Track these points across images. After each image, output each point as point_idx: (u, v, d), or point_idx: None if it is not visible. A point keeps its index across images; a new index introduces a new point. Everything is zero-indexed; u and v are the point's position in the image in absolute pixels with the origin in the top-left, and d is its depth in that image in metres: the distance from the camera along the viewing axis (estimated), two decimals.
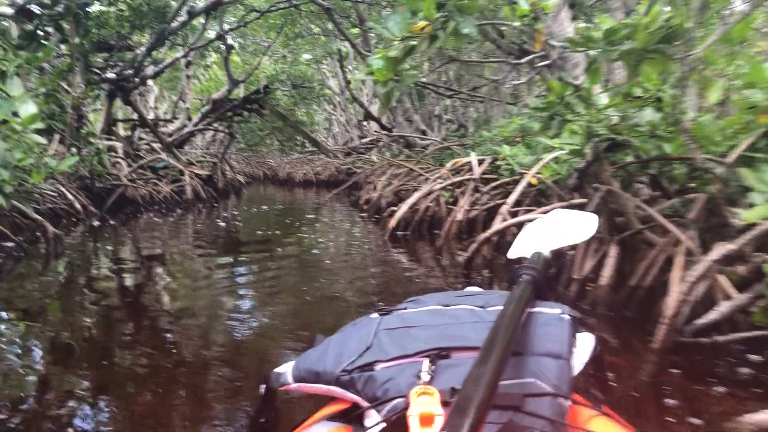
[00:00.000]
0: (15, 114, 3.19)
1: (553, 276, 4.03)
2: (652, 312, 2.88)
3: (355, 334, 1.14)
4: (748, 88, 3.45)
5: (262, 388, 1.14)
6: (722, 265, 2.82)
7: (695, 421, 2.04)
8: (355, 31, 17.12)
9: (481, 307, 1.18)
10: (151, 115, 22.02)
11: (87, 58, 11.17)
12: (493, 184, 6.60)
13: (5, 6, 7.81)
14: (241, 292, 4.58)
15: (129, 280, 5.25)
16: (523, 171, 5.62)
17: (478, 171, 6.53)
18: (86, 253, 6.87)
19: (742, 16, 3.04)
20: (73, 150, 7.04)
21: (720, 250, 2.33)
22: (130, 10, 11.73)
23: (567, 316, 1.10)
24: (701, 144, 3.25)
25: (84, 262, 6.30)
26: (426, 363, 0.95)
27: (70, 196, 9.80)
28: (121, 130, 16.36)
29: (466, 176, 6.72)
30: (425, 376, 0.91)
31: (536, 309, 1.12)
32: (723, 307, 2.54)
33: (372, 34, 16.34)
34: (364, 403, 0.97)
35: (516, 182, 5.62)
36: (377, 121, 19.61)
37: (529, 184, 5.66)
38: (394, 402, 0.90)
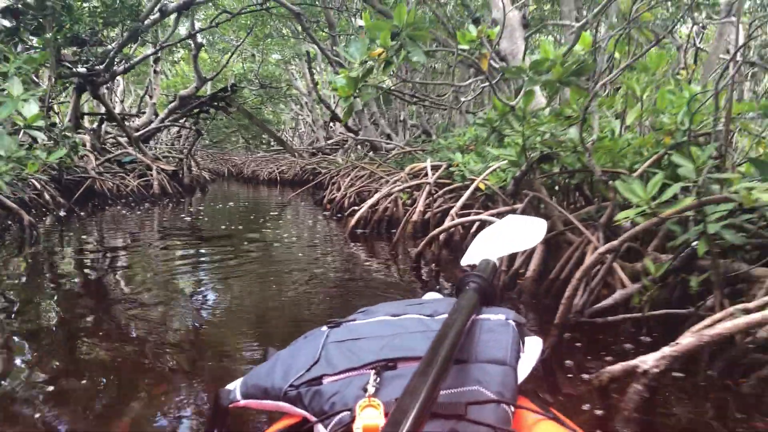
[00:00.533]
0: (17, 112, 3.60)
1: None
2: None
3: (303, 348, 1.15)
4: (657, 113, 4.05)
5: (212, 406, 1.15)
6: (622, 261, 3.42)
7: (584, 376, 2.59)
8: (324, 34, 17.57)
9: (429, 315, 1.19)
10: (117, 109, 22.13)
11: (59, 52, 11.40)
12: (447, 189, 7.15)
13: None
14: (202, 281, 4.96)
15: (95, 267, 5.63)
16: (473, 177, 6.17)
17: (431, 176, 7.06)
18: (56, 241, 7.20)
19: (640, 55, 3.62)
20: (64, 142, 7.32)
21: (606, 245, 2.88)
22: (104, 7, 11.99)
23: (512, 322, 1.12)
24: (614, 159, 3.84)
25: (53, 249, 6.63)
26: (372, 375, 0.97)
27: (39, 187, 10.07)
28: (86, 123, 16.51)
29: (422, 180, 7.26)
30: (371, 389, 0.92)
31: (482, 316, 1.14)
32: (617, 294, 3.11)
33: (340, 39, 16.82)
34: (312, 418, 0.98)
35: (467, 187, 6.16)
36: (343, 123, 20.09)
37: (478, 189, 6.22)
38: (341, 415, 0.92)
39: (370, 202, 7.70)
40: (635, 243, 3.51)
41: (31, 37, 10.28)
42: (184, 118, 20.08)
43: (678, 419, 2.28)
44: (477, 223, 5.77)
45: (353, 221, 7.42)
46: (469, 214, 6.04)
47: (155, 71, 20.66)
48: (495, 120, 4.36)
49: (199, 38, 18.82)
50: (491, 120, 4.25)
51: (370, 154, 16.31)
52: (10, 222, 7.82)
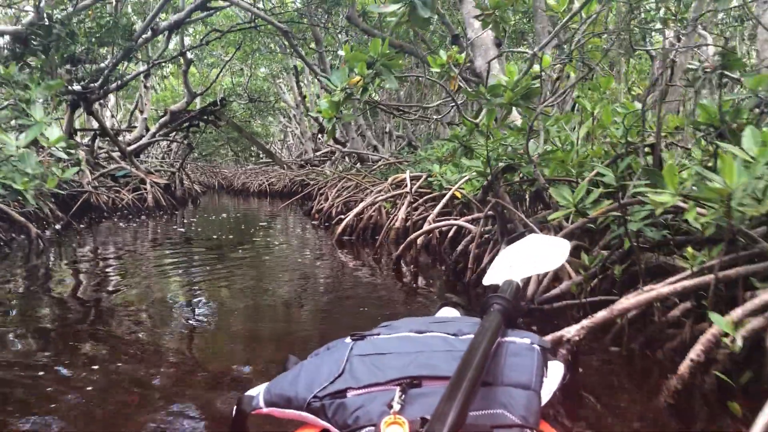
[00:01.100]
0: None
1: (456, 268, 5.16)
2: None
3: (327, 360, 1.16)
4: (603, 127, 4.61)
5: (234, 411, 1.17)
6: (571, 257, 3.95)
7: None
8: (311, 49, 18.12)
9: (453, 335, 1.20)
10: (108, 124, 22.52)
11: (55, 71, 11.87)
12: (426, 197, 7.69)
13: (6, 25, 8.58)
14: (197, 286, 5.39)
15: (100, 275, 6.11)
16: (449, 186, 6.70)
17: (411, 186, 7.59)
18: (60, 252, 7.65)
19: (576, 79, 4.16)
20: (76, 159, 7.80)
21: None
22: (98, 28, 12.47)
23: (537, 346, 1.13)
24: (566, 168, 4.38)
25: (59, 259, 7.09)
26: (397, 392, 0.97)
27: (39, 202, 10.51)
28: (78, 138, 16.93)
29: (404, 190, 7.79)
30: (396, 406, 0.93)
31: (507, 338, 1.15)
32: (563, 285, 3.64)
33: (326, 53, 17.40)
34: (335, 431, 0.98)
35: (444, 196, 6.70)
36: (327, 131, 20.60)
37: (455, 197, 6.75)
38: (365, 430, 0.92)
39: (355, 210, 8.22)
40: (584, 242, 4.05)
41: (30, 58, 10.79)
42: (174, 132, 20.52)
43: (602, 378, 2.82)
44: (454, 228, 6.32)
45: (340, 229, 7.94)
46: (455, 225, 6.59)
47: (146, 87, 21.11)
48: (463, 135, 4.90)
49: (189, 54, 19.32)
50: (458, 135, 4.80)
51: (357, 165, 16.83)
52: (13, 234, 8.27)
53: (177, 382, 2.89)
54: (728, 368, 2.41)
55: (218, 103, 19.65)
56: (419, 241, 6.15)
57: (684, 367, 2.33)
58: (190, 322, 4.10)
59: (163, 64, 21.09)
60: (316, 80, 21.11)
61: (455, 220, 6.13)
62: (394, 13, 3.12)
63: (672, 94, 8.18)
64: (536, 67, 4.44)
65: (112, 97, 26.37)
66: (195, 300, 4.77)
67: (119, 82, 14.75)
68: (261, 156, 31.75)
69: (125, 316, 4.22)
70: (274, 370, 1.86)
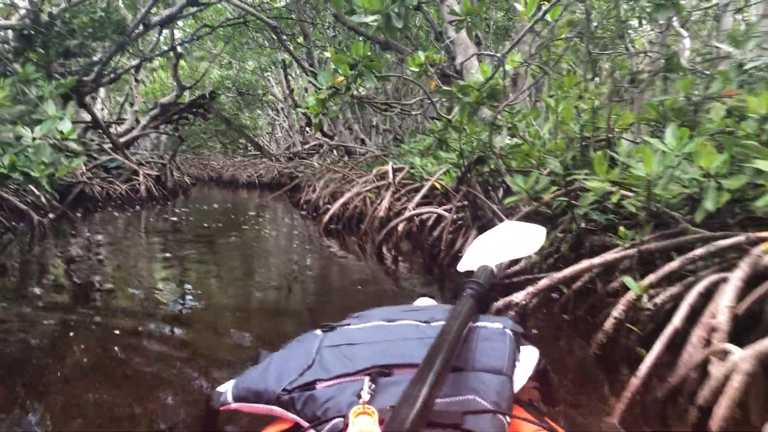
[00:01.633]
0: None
1: (433, 251, 5.64)
2: None
3: (297, 352, 1.14)
4: (565, 123, 5.09)
5: (205, 408, 1.14)
6: None
7: None
8: (299, 42, 18.51)
9: (425, 322, 1.19)
10: (99, 116, 22.78)
11: (49, 65, 12.21)
12: (409, 188, 8.15)
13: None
14: (193, 268, 5.83)
15: (96, 261, 6.54)
16: (429, 178, 7.17)
17: (392, 177, 8.06)
18: (60, 239, 8.06)
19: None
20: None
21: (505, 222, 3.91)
22: (91, 22, 12.79)
23: (509, 331, 1.12)
24: (529, 161, 4.86)
25: (59, 245, 7.51)
26: (366, 381, 0.96)
27: (36, 191, 10.87)
28: None
29: (387, 181, 8.25)
30: (365, 395, 0.92)
31: (479, 323, 1.14)
32: (522, 263, 4.13)
33: (317, 52, 17.81)
34: (305, 423, 0.96)
35: (423, 187, 7.17)
36: (315, 124, 21.01)
37: (435, 188, 7.22)
38: (334, 422, 0.91)
39: (341, 200, 8.68)
40: (546, 226, 4.53)
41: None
42: (164, 125, 20.84)
43: (550, 337, 3.31)
44: (434, 216, 6.79)
45: (326, 218, 8.39)
46: (431, 212, 7.06)
47: (136, 80, 21.38)
48: (439, 130, 5.37)
49: (179, 48, 19.63)
50: (434, 130, 5.27)
51: (345, 158, 17.27)
52: (14, 222, 8.65)
53: (159, 370, 2.90)
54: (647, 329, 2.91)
55: (207, 96, 20.02)
56: (400, 228, 6.62)
57: (608, 324, 2.82)
58: (181, 303, 4.34)
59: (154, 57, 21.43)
60: (303, 74, 21.48)
61: (434, 208, 6.60)
62: (372, 22, 3.57)
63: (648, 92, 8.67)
64: (509, 67, 4.91)
65: (102, 90, 26.62)
66: (186, 283, 5.12)
67: (112, 75, 15.08)
68: (249, 148, 32.10)
69: (116, 300, 4.42)
70: (248, 362, 1.93)
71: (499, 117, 4.60)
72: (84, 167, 13.47)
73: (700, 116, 3.63)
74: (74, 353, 3.21)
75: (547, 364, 1.15)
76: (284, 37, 16.25)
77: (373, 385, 0.96)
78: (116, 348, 3.24)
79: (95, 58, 14.37)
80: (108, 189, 13.61)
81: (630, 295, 2.76)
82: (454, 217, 5.42)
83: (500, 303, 3.16)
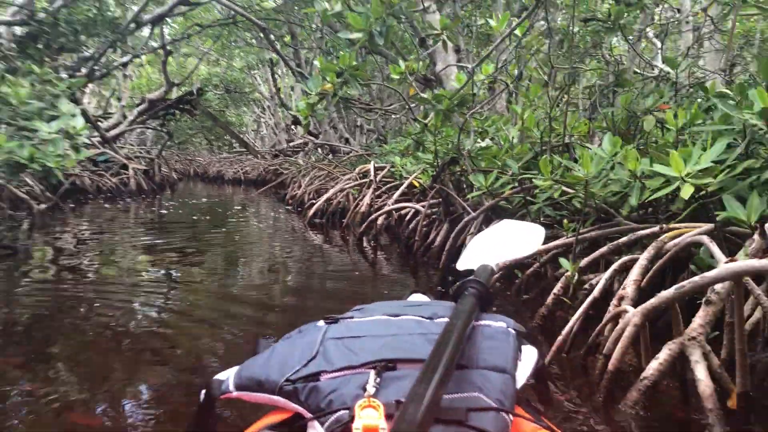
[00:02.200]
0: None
1: (408, 242, 6.20)
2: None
3: (300, 343, 1.14)
4: (529, 129, 5.65)
5: (203, 394, 1.14)
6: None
7: None
8: (287, 42, 18.96)
9: (428, 318, 1.20)
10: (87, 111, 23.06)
11: (43, 60, 12.59)
12: (389, 185, 8.70)
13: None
14: (179, 259, 6.34)
15: (91, 249, 7.01)
16: (408, 176, 7.71)
17: (374, 175, 8.61)
18: (56, 227, 8.51)
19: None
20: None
21: (471, 215, 4.45)
22: (86, 19, 13.17)
23: (512, 330, 1.14)
24: (495, 163, 5.41)
25: (57, 231, 7.97)
26: (372, 375, 0.97)
27: (30, 182, 11.27)
28: None
29: (369, 179, 8.79)
30: (371, 389, 0.93)
31: (482, 322, 1.16)
32: None
33: (303, 51, 18.29)
34: (308, 414, 0.97)
35: (402, 185, 7.71)
36: (304, 125, 21.47)
37: (413, 186, 7.76)
38: (338, 414, 0.92)
39: (325, 196, 9.20)
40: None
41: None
42: (151, 120, 21.18)
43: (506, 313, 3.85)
44: (412, 212, 7.33)
45: (311, 212, 8.92)
46: (406, 206, 7.61)
47: (124, 75, 21.67)
48: (416, 132, 5.91)
49: (168, 46, 20.00)
50: (411, 133, 5.82)
51: (329, 156, 17.75)
52: (10, 211, 9.07)
53: (143, 360, 3.01)
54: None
55: (194, 92, 20.42)
56: (380, 222, 7.17)
57: (549, 299, 3.37)
58: (168, 293, 4.64)
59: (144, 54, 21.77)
60: (290, 73, 21.91)
61: (411, 204, 7.15)
62: (356, 38, 4.10)
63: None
64: (481, 75, 5.47)
65: (89, 85, 26.85)
66: (173, 272, 5.48)
67: (104, 71, 15.45)
68: (234, 145, 32.48)
69: (106, 289, 4.65)
70: (243, 354, 1.99)
71: (468, 122, 5.15)
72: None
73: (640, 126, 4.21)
74: (77, 326, 3.70)
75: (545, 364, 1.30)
76: (272, 37, 16.70)
77: (378, 379, 0.96)
78: (108, 324, 3.59)
79: (88, 54, 14.76)
80: (98, 182, 14.01)
81: (566, 275, 3.31)
82: (428, 212, 5.97)
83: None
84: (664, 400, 2.31)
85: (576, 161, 4.89)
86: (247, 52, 24.49)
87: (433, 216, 6.05)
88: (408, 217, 7.45)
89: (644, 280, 2.82)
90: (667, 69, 4.42)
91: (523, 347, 1.14)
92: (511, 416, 0.92)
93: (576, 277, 3.23)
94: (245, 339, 3.30)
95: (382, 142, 17.42)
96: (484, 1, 13.69)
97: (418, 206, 6.67)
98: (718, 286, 2.18)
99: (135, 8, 14.33)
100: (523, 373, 1.07)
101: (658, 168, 2.74)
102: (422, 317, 1.20)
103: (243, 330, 3.52)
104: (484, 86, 5.28)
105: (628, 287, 2.73)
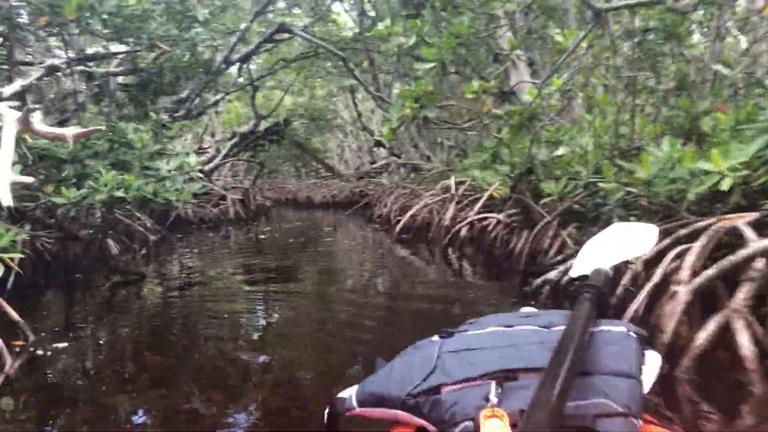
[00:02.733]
0: None
1: (490, 250, 6.59)
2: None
3: (417, 358, 1.16)
4: (600, 136, 5.94)
5: (326, 412, 1.18)
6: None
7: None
8: (365, 65, 19.75)
9: (544, 327, 1.20)
10: None
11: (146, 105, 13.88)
12: (470, 198, 9.11)
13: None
14: (290, 274, 7.02)
15: (203, 270, 7.78)
16: (488, 188, 8.10)
17: (455, 189, 9.08)
18: (171, 256, 9.44)
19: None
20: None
21: (546, 219, 4.81)
22: (183, 64, 14.40)
23: (633, 334, 1.13)
24: (567, 170, 5.74)
25: (172, 261, 8.87)
26: (493, 385, 0.97)
27: (140, 216, 12.41)
28: None
29: (450, 193, 9.24)
30: (493, 399, 0.93)
31: (601, 327, 1.14)
32: (557, 253, 5.01)
33: (381, 75, 19.02)
34: (431, 427, 0.99)
35: (482, 197, 8.12)
36: (387, 148, 22.22)
37: (493, 197, 8.14)
38: (463, 425, 0.92)
39: (410, 212, 9.72)
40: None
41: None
42: (243, 152, 22.47)
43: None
44: (494, 222, 7.71)
45: (398, 228, 9.46)
46: (487, 217, 8.00)
47: (216, 112, 23.10)
48: (493, 147, 6.33)
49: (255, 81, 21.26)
50: (486, 147, 6.24)
51: (412, 174, 18.27)
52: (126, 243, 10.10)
53: (253, 379, 3.27)
54: None
55: (281, 123, 21.56)
56: (463, 233, 7.59)
57: (619, 290, 3.70)
58: (272, 308, 5.29)
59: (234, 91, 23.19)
60: (369, 97, 22.64)
61: (494, 214, 7.54)
62: (430, 68, 4.59)
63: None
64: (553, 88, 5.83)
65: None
66: (279, 287, 6.18)
67: (200, 110, 16.72)
68: (320, 170, 33.66)
69: (224, 308, 5.30)
70: (359, 370, 2.42)
71: (539, 133, 5.53)
72: None
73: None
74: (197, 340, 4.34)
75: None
76: (351, 65, 17.53)
77: (500, 389, 0.97)
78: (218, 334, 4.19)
79: (183, 95, 16.03)
80: (200, 213, 15.14)
81: (633, 267, 3.64)
82: (508, 220, 6.35)
83: (539, 281, 4.08)
84: (714, 365, 2.62)
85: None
86: (329, 81, 25.48)
87: (513, 224, 6.42)
88: (490, 227, 7.82)
89: (698, 264, 3.12)
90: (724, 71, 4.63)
91: (646, 352, 1.13)
92: (640, 421, 0.91)
93: (642, 269, 3.55)
94: (352, 352, 3.58)
95: (462, 157, 17.78)
96: (555, 12, 13.92)
97: (498, 216, 7.05)
98: (757, 264, 2.49)
99: (223, 50, 15.48)
100: (649, 378, 1.07)
101: (700, 164, 3.04)
102: (538, 326, 1.21)
103: (350, 343, 3.77)
104: (556, 97, 5.61)
105: (684, 272, 3.04)
